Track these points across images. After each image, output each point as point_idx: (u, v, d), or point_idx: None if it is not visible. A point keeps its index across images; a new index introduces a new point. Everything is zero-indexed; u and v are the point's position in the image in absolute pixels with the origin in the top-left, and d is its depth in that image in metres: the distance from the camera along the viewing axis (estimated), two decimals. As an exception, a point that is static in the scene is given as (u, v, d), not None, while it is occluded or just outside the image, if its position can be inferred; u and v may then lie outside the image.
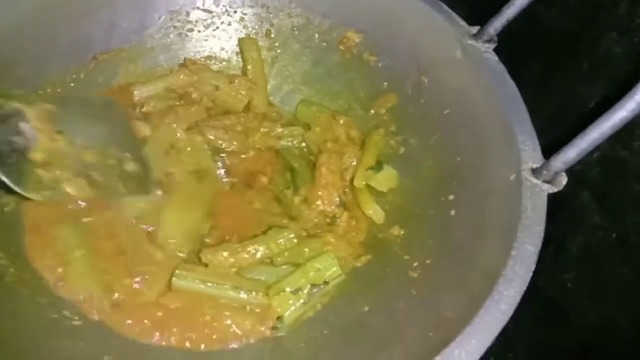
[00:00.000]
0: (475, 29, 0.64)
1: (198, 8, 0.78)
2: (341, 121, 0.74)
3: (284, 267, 0.64)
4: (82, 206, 0.64)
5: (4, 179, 0.54)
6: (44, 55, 0.68)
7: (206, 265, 0.62)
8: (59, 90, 0.70)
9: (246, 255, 0.63)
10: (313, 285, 0.63)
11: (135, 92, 0.73)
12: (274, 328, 0.62)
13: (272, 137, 0.74)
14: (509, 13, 0.61)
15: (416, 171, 0.69)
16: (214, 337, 0.61)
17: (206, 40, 0.79)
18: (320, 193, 0.69)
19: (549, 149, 0.54)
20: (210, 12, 0.78)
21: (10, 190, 0.55)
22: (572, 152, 0.49)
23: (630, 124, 0.46)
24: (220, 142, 0.71)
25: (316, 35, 0.77)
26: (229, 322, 0.61)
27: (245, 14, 0.79)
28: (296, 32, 0.78)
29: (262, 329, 0.61)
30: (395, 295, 0.60)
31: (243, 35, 0.79)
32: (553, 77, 0.73)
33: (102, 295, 0.61)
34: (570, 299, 0.66)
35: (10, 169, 0.54)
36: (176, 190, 0.68)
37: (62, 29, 0.69)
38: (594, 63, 0.66)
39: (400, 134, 0.73)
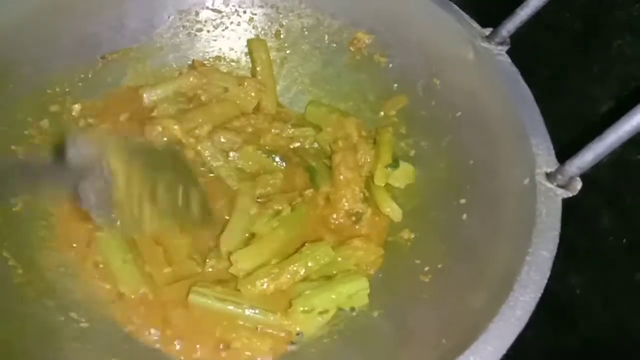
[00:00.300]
0: (488, 31, 0.64)
1: (207, 8, 0.77)
2: (351, 120, 0.74)
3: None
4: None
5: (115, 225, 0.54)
6: (48, 54, 0.68)
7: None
8: (67, 90, 0.70)
9: (286, 278, 0.61)
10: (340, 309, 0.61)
11: (144, 95, 0.72)
12: (291, 343, 0.60)
13: (283, 138, 0.74)
14: (522, 15, 0.60)
15: (427, 174, 0.69)
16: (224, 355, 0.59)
17: (215, 40, 0.79)
18: (343, 192, 0.68)
19: (560, 152, 0.53)
20: (219, 12, 0.78)
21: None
22: (589, 156, 0.48)
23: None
24: (232, 144, 0.70)
25: (326, 36, 0.77)
26: (245, 341, 0.59)
27: (255, 14, 0.78)
28: (306, 32, 0.78)
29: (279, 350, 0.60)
30: (406, 300, 0.60)
31: (252, 36, 0.79)
32: (563, 80, 0.73)
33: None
34: (581, 303, 0.66)
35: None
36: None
37: (69, 28, 0.69)
38: (605, 65, 0.66)
39: (411, 136, 0.72)
